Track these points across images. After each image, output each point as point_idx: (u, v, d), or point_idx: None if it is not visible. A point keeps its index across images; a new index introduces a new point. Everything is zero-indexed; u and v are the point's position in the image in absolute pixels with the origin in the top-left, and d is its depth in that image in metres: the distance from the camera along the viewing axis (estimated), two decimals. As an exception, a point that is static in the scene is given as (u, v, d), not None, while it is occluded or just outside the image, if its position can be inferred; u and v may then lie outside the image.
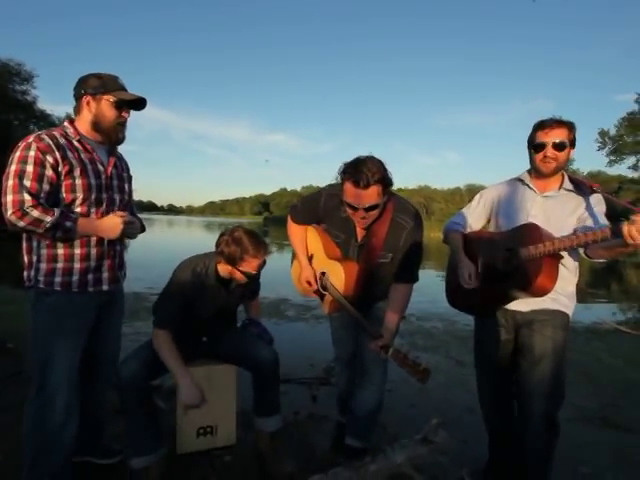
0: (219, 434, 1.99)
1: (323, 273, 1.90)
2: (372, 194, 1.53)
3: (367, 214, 1.59)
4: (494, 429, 1.89)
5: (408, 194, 64.18)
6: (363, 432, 1.92)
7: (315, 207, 1.82)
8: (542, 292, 1.50)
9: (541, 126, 1.58)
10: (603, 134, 33.84)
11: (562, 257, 1.51)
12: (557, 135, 1.54)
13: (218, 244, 1.75)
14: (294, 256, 2.13)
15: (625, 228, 1.23)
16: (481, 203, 1.85)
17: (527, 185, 1.69)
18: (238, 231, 1.74)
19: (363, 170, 1.50)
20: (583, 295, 8.23)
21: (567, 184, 1.63)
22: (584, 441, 2.28)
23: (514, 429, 1.79)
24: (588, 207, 1.56)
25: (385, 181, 1.56)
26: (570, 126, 1.57)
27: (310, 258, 1.99)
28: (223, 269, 1.79)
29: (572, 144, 1.59)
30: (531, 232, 1.52)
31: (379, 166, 1.54)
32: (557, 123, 1.56)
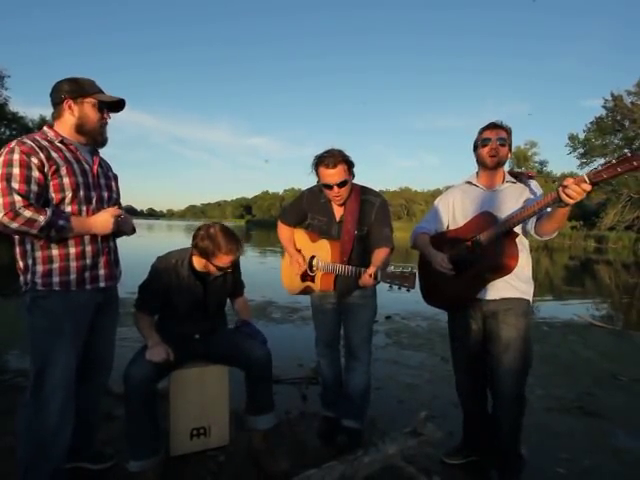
0: (212, 435, 2.01)
1: (312, 257, 2.15)
2: (340, 171, 1.92)
3: (340, 190, 1.95)
4: (469, 412, 2.03)
5: (390, 196, 64.87)
6: (358, 413, 2.11)
7: (300, 204, 2.19)
8: (508, 269, 1.68)
9: (487, 127, 1.86)
10: (573, 138, 35.17)
11: (517, 234, 1.69)
12: (501, 134, 1.82)
13: (194, 237, 1.84)
14: (284, 258, 2.27)
15: (561, 192, 1.42)
16: (440, 208, 2.00)
17: (476, 185, 1.90)
18: (214, 227, 1.83)
19: (329, 156, 1.92)
20: (559, 292, 8.54)
21: (508, 177, 1.86)
22: (563, 429, 2.40)
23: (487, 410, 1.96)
24: (531, 193, 1.79)
25: (348, 161, 1.96)
26: (509, 130, 1.84)
27: (299, 252, 2.22)
28: (198, 262, 1.88)
29: (510, 146, 1.85)
30: (485, 218, 1.74)
31: (340, 151, 1.95)
32: (500, 125, 1.84)
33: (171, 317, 1.96)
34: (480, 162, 1.87)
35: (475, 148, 1.87)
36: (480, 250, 1.72)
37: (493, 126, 1.83)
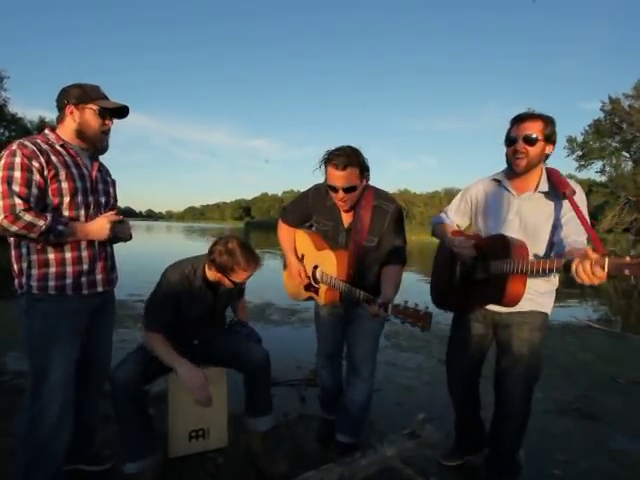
0: (211, 437, 2.01)
1: (315, 267, 1.97)
2: (350, 175, 1.68)
3: (347, 195, 1.72)
4: (463, 415, 2.00)
5: (389, 198, 64.43)
6: (353, 428, 2.00)
7: (304, 203, 1.96)
8: (513, 303, 1.56)
9: (515, 120, 1.55)
10: (571, 141, 35.23)
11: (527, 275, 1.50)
12: (528, 128, 1.50)
13: (211, 252, 1.76)
14: (285, 264, 2.15)
15: (574, 266, 1.22)
16: (463, 201, 1.86)
17: (504, 187, 1.68)
18: (232, 242, 1.75)
19: (341, 155, 1.67)
20: (558, 294, 8.51)
21: (543, 185, 1.58)
22: (560, 431, 2.41)
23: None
24: (561, 213, 1.55)
25: (361, 164, 1.71)
26: (545, 120, 1.51)
27: (301, 258, 2.07)
28: (212, 275, 1.82)
29: (549, 139, 1.52)
30: (500, 244, 1.55)
31: (355, 151, 1.71)
32: (530, 116, 1.51)
33: (174, 323, 1.90)
34: (507, 162, 1.61)
35: (504, 141, 1.60)
36: (489, 277, 1.59)
37: (524, 118, 1.49)
